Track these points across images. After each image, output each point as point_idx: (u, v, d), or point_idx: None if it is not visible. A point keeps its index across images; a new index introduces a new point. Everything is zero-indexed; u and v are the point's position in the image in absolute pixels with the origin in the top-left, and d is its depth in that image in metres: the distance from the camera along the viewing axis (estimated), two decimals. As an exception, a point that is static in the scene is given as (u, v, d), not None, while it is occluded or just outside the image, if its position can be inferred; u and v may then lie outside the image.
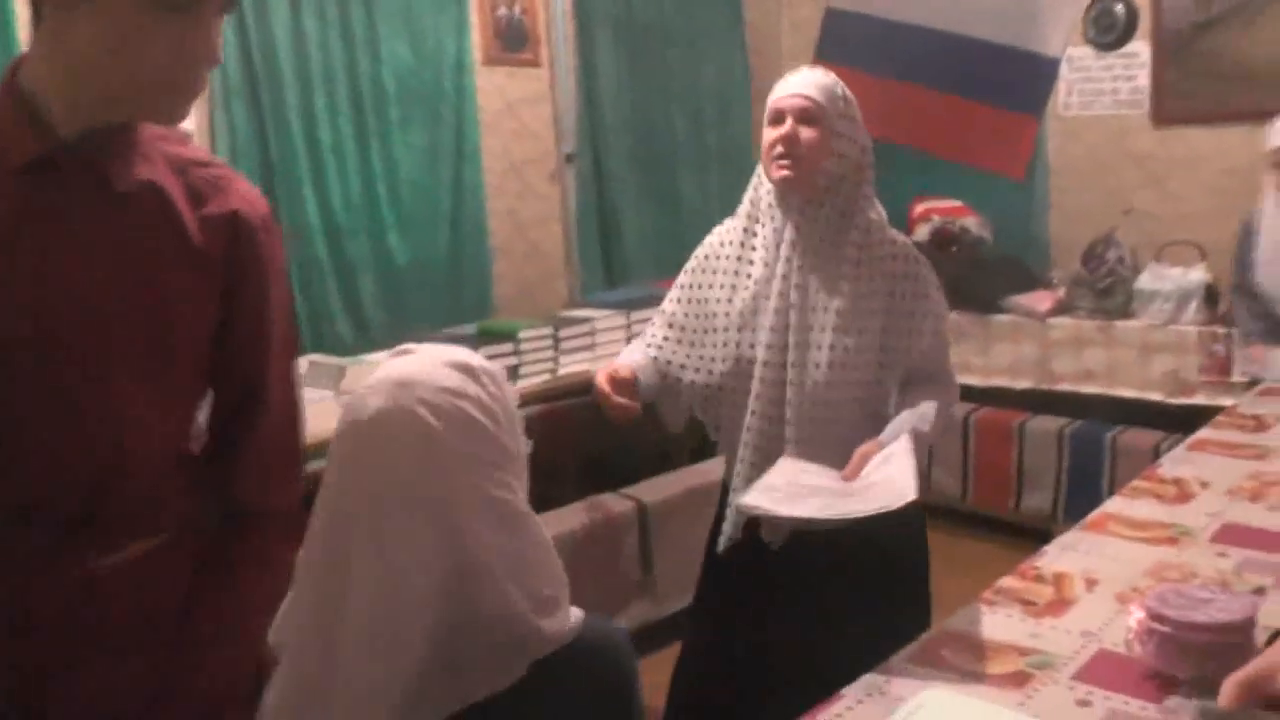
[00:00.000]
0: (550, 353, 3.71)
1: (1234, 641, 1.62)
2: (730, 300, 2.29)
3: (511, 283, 4.60)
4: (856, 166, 2.22)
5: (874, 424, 2.18)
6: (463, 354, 1.32)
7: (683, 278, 2.42)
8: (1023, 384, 4.61)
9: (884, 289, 2.20)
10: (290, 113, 3.76)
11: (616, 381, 2.21)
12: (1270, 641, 1.45)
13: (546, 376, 3.70)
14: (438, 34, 4.22)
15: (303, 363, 3.19)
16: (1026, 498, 4.69)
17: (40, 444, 1.27)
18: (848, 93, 2.24)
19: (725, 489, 2.40)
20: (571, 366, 3.79)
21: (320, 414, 2.10)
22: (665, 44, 5.11)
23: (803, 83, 2.21)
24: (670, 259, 5.20)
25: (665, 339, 2.40)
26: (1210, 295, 4.27)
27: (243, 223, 1.37)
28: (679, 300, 2.41)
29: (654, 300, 4.19)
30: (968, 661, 1.72)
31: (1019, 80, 4.82)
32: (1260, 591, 1.93)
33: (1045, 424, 4.69)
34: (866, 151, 2.25)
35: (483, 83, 4.44)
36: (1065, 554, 2.13)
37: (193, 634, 1.40)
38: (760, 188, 2.29)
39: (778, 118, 2.20)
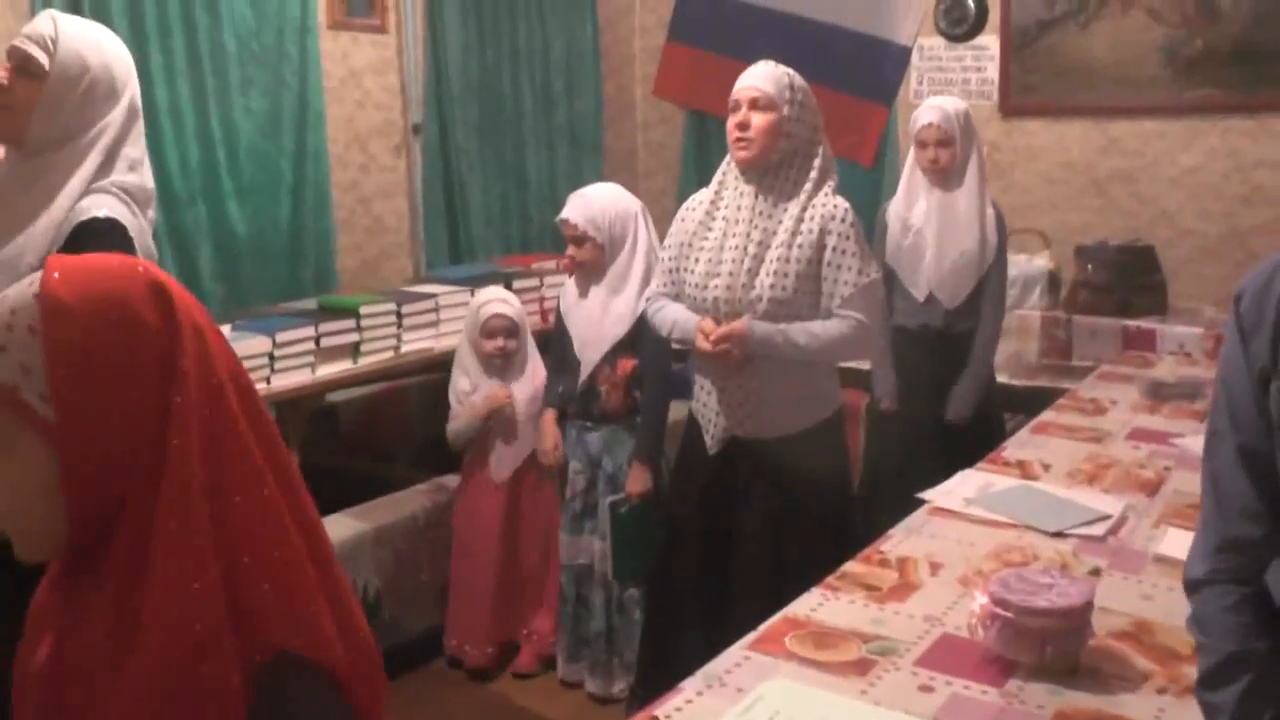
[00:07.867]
0: (393, 329, 3.55)
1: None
2: (700, 249, 2.68)
3: (354, 257, 4.43)
4: (808, 143, 2.61)
5: None
6: None
7: (668, 238, 2.82)
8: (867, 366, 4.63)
9: (819, 242, 2.56)
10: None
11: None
12: None
13: (389, 354, 3.54)
14: (279, -7, 4.01)
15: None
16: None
17: None
18: (798, 82, 2.62)
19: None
20: (415, 344, 3.62)
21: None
22: (514, 16, 4.96)
23: (757, 75, 2.60)
24: (516, 236, 5.09)
25: (666, 285, 2.80)
26: (1053, 282, 4.36)
27: None
28: (668, 250, 2.81)
29: (499, 277, 4.11)
30: (808, 650, 1.67)
31: (871, 68, 4.85)
32: (1096, 573, 1.95)
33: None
34: (816, 131, 2.64)
35: (327, 47, 4.24)
36: (910, 538, 2.12)
37: None
38: (729, 163, 2.69)
39: (735, 106, 2.60)
